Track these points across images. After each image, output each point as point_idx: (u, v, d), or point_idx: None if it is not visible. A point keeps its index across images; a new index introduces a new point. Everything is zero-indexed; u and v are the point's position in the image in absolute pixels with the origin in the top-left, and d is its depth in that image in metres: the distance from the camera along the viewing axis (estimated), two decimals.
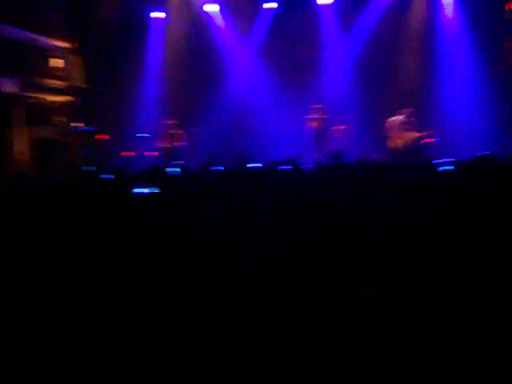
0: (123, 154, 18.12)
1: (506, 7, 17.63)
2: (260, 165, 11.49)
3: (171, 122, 18.04)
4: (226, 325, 3.56)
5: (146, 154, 18.14)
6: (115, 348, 3.44)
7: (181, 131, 18.04)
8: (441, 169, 8.16)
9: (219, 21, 20.42)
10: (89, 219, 5.37)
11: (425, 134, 16.78)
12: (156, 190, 6.78)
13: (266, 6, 20.13)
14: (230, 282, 4.03)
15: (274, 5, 20.11)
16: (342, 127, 18.24)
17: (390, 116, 17.10)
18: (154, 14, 20.45)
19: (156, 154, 17.85)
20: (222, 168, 10.30)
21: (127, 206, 6.25)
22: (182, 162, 13.89)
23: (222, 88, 20.23)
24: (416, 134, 16.57)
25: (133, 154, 18.07)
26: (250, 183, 7.41)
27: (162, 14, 20.44)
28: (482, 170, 6.31)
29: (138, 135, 18.64)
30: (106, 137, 18.87)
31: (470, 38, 18.33)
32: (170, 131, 17.92)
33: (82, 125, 17.88)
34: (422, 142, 16.89)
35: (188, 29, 20.36)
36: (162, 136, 17.97)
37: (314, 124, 17.10)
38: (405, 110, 16.79)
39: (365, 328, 3.45)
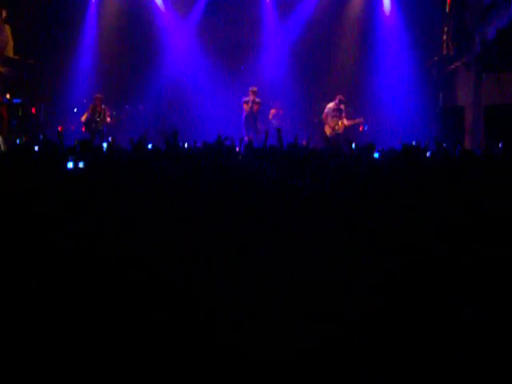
0: (60, 128, 17.71)
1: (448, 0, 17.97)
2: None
3: (96, 96, 17.45)
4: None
5: (72, 128, 17.82)
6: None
7: (103, 106, 17.40)
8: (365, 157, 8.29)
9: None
10: (20, 194, 5.22)
11: (355, 121, 17.01)
12: (82, 165, 6.67)
13: None
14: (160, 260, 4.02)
15: None
16: (276, 111, 18.36)
17: (325, 103, 17.28)
18: None
19: (83, 128, 17.40)
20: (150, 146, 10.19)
21: (60, 181, 6.12)
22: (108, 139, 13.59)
23: (159, 67, 20.02)
24: (345, 122, 16.77)
25: (60, 128, 17.69)
26: (183, 163, 7.36)
27: None
28: (408, 161, 6.44)
29: (75, 109, 18.22)
30: (33, 110, 18.44)
31: (407, 28, 18.61)
32: (92, 105, 17.30)
33: (8, 96, 17.37)
34: (354, 128, 17.18)
35: (126, 5, 20.02)
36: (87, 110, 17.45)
37: (248, 106, 17.11)
38: (336, 97, 16.98)
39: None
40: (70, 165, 6.84)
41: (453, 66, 18.01)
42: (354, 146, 9.21)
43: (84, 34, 19.96)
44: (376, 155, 8.22)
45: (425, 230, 4.33)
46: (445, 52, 18.38)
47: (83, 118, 17.18)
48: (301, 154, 7.83)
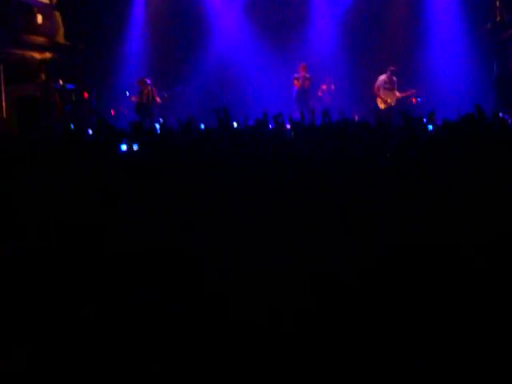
0: (112, 111, 17.87)
1: None
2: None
3: (140, 79, 17.47)
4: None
5: (125, 111, 17.95)
6: None
7: (151, 88, 17.41)
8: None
9: None
10: (77, 178, 5.29)
11: (407, 93, 16.74)
12: (136, 147, 6.71)
13: None
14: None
15: None
16: (326, 86, 18.18)
17: (377, 75, 17.04)
18: None
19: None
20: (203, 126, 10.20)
21: (116, 164, 6.19)
22: (159, 120, 13.55)
23: (208, 47, 20.01)
24: (397, 94, 16.51)
25: (113, 112, 17.85)
26: (234, 141, 7.35)
27: None
28: (467, 129, 6.29)
29: (126, 93, 18.32)
30: (85, 94, 18.63)
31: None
32: (141, 88, 17.33)
33: (61, 82, 17.59)
34: (407, 101, 16.91)
35: None
36: (137, 92, 17.51)
37: (299, 82, 16.99)
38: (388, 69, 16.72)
39: None
40: (124, 147, 6.90)
41: (507, 34, 17.52)
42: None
43: (133, 18, 20.06)
44: (430, 127, 8.07)
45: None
46: (499, 19, 17.90)
47: (133, 99, 17.33)
48: (350, 130, 7.75)
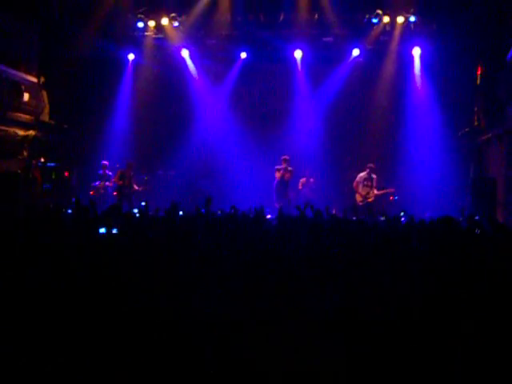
0: (92, 192, 17.93)
1: (478, 72, 18.09)
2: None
3: (127, 163, 17.69)
4: None
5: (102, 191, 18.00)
6: None
7: (132, 173, 17.62)
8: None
9: (191, 66, 20.53)
10: (53, 260, 5.25)
11: (385, 191, 16.99)
12: (115, 231, 6.72)
13: (242, 55, 20.24)
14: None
15: (243, 55, 20.26)
16: (306, 179, 18.41)
17: (356, 172, 17.31)
18: (130, 56, 20.44)
19: (114, 193, 17.64)
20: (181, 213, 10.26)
21: (93, 245, 6.17)
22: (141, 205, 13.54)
23: (192, 133, 20.28)
24: (376, 191, 16.75)
25: (92, 192, 17.90)
26: (214, 229, 7.40)
27: (131, 56, 20.45)
28: (442, 232, 6.40)
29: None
30: (66, 173, 18.70)
31: (439, 99, 18.69)
32: (120, 171, 17.52)
33: (42, 160, 17.69)
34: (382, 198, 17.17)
35: (160, 72, 20.45)
36: (115, 176, 17.65)
37: (280, 174, 17.20)
38: (367, 167, 17.02)
39: None
40: (103, 230, 6.90)
41: (484, 138, 18.01)
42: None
43: (119, 101, 20.34)
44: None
45: None
46: (476, 123, 18.43)
47: (115, 180, 17.47)
48: (329, 224, 7.84)
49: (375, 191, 16.75)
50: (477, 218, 10.21)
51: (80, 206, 8.68)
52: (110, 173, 17.99)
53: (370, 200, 16.67)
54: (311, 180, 18.48)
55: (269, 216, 9.86)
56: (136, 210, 10.85)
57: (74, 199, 11.15)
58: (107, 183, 17.86)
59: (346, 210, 9.90)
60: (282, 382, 3.57)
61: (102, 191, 17.79)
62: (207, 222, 8.03)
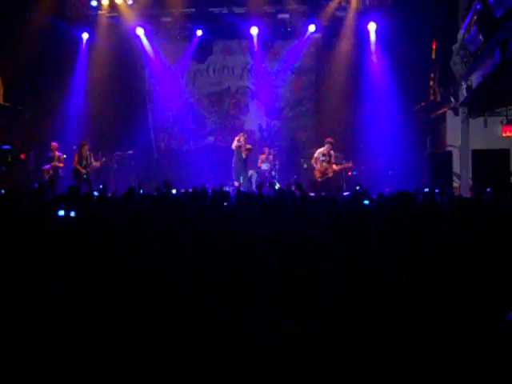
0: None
1: (433, 46, 18.25)
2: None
3: (81, 142, 17.23)
4: None
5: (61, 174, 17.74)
6: None
7: (89, 153, 17.12)
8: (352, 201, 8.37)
9: (147, 45, 20.33)
10: (13, 244, 5.20)
11: (344, 166, 17.08)
12: (73, 214, 6.66)
13: (198, 32, 20.08)
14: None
15: (199, 32, 20.13)
16: (265, 156, 18.45)
17: (314, 148, 17.36)
18: (84, 35, 20.15)
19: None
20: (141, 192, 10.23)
21: (52, 228, 6.11)
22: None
23: (149, 113, 20.15)
24: (334, 167, 16.82)
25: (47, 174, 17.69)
26: (174, 209, 7.38)
27: (85, 35, 20.16)
28: (400, 207, 6.49)
29: (64, 156, 18.14)
30: (22, 156, 18.46)
31: (395, 74, 18.80)
32: (77, 152, 17.12)
33: None
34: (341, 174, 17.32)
35: (115, 50, 20.17)
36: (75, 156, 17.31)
37: (238, 152, 17.17)
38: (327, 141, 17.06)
39: None
40: (62, 213, 6.83)
41: (440, 112, 18.23)
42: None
43: (74, 81, 20.03)
44: (366, 202, 8.27)
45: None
46: (432, 98, 18.62)
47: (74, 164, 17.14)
48: (288, 202, 7.89)
49: (334, 167, 16.82)
50: (436, 191, 10.34)
51: (41, 188, 8.61)
52: (60, 154, 17.50)
53: (329, 175, 16.74)
54: (270, 157, 18.52)
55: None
56: (96, 193, 10.75)
57: (36, 184, 11.04)
58: (58, 164, 17.35)
59: (300, 186, 9.86)
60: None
61: (52, 172, 17.30)
62: (167, 202, 8.02)
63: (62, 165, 17.28)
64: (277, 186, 9.94)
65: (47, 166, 17.39)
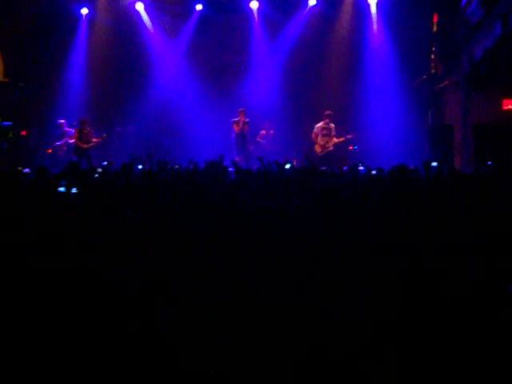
0: (49, 150, 17.75)
1: (434, 19, 18.14)
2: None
3: (80, 119, 17.31)
4: None
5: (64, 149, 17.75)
6: None
7: (89, 129, 17.14)
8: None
9: (146, 20, 20.22)
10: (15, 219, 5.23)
11: (342, 139, 17.00)
12: (74, 191, 6.69)
13: (197, 7, 19.96)
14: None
15: (199, 6, 20.01)
16: (265, 131, 18.43)
17: (315, 123, 17.31)
18: (83, 10, 20.02)
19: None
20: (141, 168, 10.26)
21: (54, 205, 6.13)
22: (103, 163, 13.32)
23: (149, 88, 20.07)
24: (335, 140, 16.79)
25: (49, 151, 17.72)
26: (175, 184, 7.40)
27: (85, 10, 20.04)
28: (398, 180, 6.50)
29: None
30: (23, 132, 18.48)
31: (395, 48, 18.72)
32: (77, 129, 17.16)
33: None
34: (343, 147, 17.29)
35: (115, 26, 20.06)
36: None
37: (238, 127, 17.16)
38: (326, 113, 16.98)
39: None
40: (62, 189, 6.86)
41: (441, 85, 18.17)
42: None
43: (73, 56, 19.98)
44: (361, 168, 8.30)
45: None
46: (433, 71, 18.55)
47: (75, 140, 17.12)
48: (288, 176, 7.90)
49: (334, 139, 16.79)
50: (434, 164, 10.32)
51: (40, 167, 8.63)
52: (70, 129, 17.66)
53: (329, 149, 16.72)
54: (271, 132, 18.51)
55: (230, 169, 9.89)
56: (99, 169, 10.75)
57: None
58: (69, 140, 17.48)
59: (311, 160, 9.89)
60: None
61: (65, 148, 17.47)
62: (166, 178, 8.05)
63: (72, 140, 17.30)
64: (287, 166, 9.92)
65: (59, 143, 17.43)
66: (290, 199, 6.10)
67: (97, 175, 9.04)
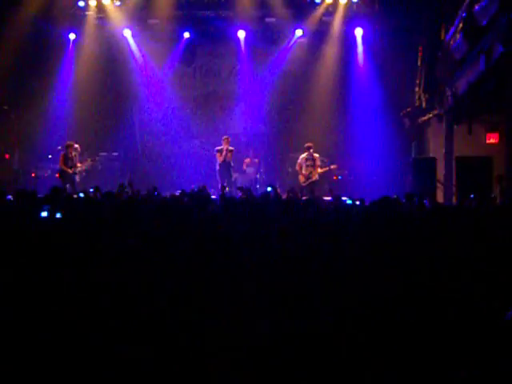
0: (33, 174, 17.68)
1: (419, 53, 18.37)
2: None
3: (66, 143, 16.98)
4: None
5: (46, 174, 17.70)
6: None
7: (74, 153, 16.86)
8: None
9: (133, 46, 20.27)
10: None
11: (328, 168, 17.06)
12: (59, 216, 6.66)
13: (185, 35, 20.04)
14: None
15: (187, 34, 20.12)
16: (250, 159, 18.46)
17: (300, 151, 17.36)
18: (71, 36, 20.04)
19: (57, 175, 17.07)
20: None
21: (35, 230, 6.08)
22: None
23: (135, 115, 20.11)
24: (319, 170, 16.84)
25: (33, 174, 17.66)
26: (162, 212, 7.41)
27: (72, 36, 20.06)
28: (381, 212, 6.54)
29: (49, 156, 18.11)
30: (6, 156, 18.41)
31: (380, 80, 18.88)
32: (63, 153, 16.87)
33: None
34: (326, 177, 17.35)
35: (102, 52, 20.09)
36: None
37: (222, 155, 17.12)
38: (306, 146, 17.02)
39: None
40: (45, 214, 6.82)
41: (425, 118, 18.36)
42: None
43: (60, 81, 19.93)
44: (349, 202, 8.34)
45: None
46: (417, 104, 18.72)
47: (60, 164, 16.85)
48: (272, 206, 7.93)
49: (318, 169, 16.85)
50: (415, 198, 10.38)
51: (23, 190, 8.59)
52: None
53: (313, 179, 16.75)
54: (256, 160, 18.54)
55: (213, 197, 9.92)
56: (82, 194, 10.72)
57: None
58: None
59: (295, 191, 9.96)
60: None
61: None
62: (152, 205, 8.05)
63: (79, 165, 16.88)
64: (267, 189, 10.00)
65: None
66: (271, 225, 6.13)
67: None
